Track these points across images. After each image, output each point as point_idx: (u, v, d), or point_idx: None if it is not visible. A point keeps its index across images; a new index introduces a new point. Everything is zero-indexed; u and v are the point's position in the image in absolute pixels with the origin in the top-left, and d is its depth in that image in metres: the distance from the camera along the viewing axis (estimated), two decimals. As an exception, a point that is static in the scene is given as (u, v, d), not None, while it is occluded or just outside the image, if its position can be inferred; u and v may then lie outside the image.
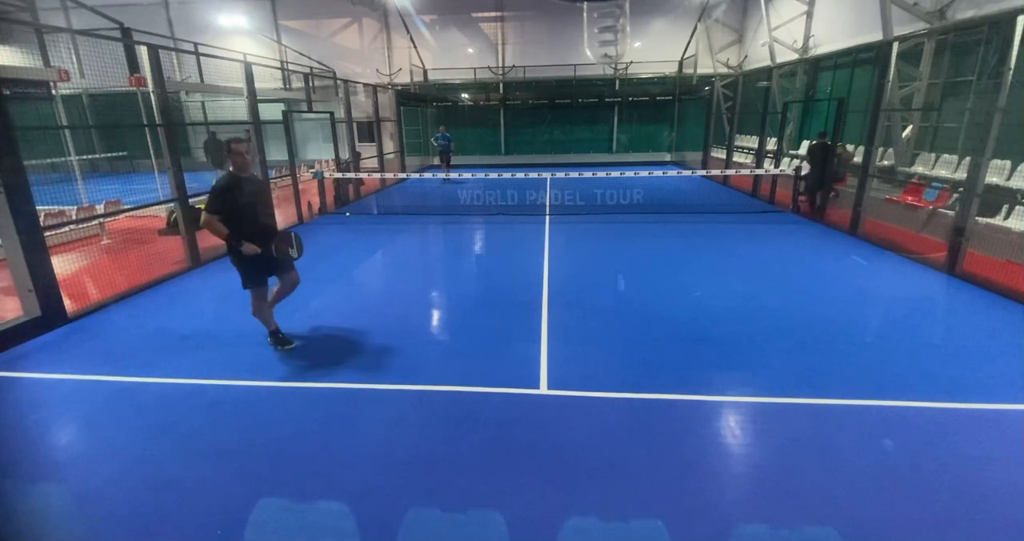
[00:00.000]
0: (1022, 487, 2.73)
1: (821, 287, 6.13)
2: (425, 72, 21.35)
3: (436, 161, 17.28)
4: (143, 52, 6.43)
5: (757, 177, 12.23)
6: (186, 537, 2.51)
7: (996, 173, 7.46)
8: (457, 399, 3.71)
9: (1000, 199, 7.18)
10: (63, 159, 11.13)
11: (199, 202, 7.80)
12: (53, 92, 10.27)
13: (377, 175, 13.60)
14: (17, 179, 4.66)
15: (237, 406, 3.64)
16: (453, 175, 14.73)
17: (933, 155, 9.04)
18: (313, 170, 12.54)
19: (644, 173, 12.33)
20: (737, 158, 15.15)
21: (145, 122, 9.78)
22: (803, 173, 10.01)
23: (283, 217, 9.78)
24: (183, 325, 5.12)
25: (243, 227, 4.06)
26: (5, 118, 4.56)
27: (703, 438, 3.20)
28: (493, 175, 11.69)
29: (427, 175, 12.81)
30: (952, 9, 8.81)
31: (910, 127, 9.54)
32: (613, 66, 20.53)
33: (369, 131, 18.45)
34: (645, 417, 3.45)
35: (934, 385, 3.76)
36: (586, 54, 19.79)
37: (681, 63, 20.36)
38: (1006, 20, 5.87)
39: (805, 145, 13.41)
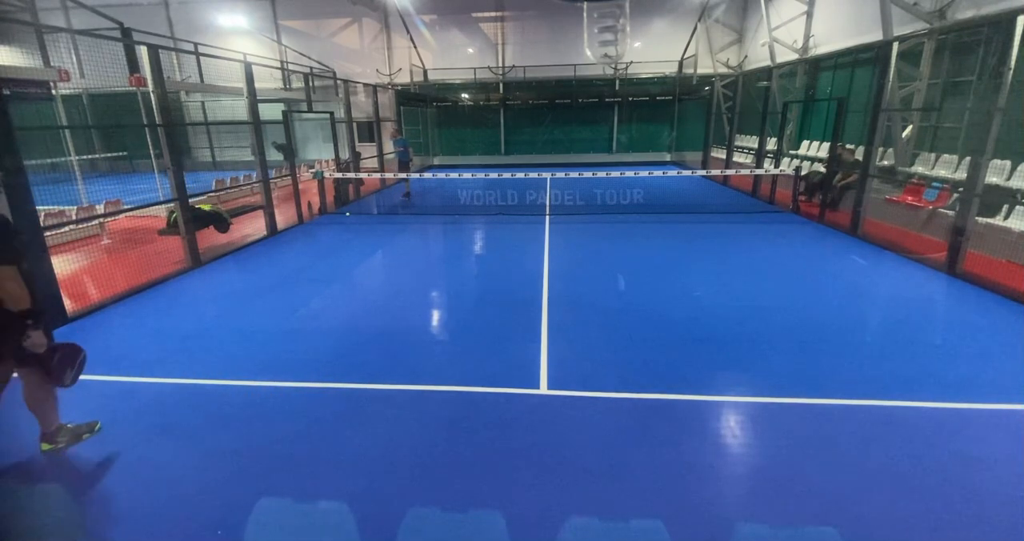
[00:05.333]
0: (1022, 487, 2.73)
1: (821, 287, 6.13)
2: (425, 72, 21.36)
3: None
4: (143, 52, 6.43)
5: (757, 177, 12.23)
6: (186, 537, 2.51)
7: (996, 173, 7.46)
8: (457, 399, 3.71)
9: (1000, 199, 7.18)
10: (63, 159, 11.14)
11: (199, 202, 7.83)
12: (53, 92, 10.28)
13: (377, 175, 13.60)
14: (17, 179, 4.66)
15: (237, 406, 3.64)
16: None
17: (933, 155, 9.04)
18: (313, 170, 12.54)
19: (644, 173, 12.33)
20: (737, 158, 15.15)
21: (145, 122, 9.78)
22: (803, 173, 10.04)
23: (283, 217, 9.79)
24: (183, 325, 5.11)
25: (33, 295, 2.76)
26: (5, 118, 4.56)
27: (703, 438, 3.20)
28: (493, 175, 11.69)
29: (427, 175, 12.79)
30: (952, 9, 8.81)
31: (910, 127, 9.54)
32: (613, 66, 20.53)
33: (369, 131, 18.45)
34: (645, 417, 3.44)
35: (934, 385, 3.76)
36: (586, 54, 19.79)
37: (681, 63, 20.36)
38: (1006, 20, 5.86)
39: (804, 145, 13.46)
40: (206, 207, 7.89)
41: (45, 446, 3.15)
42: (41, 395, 3.06)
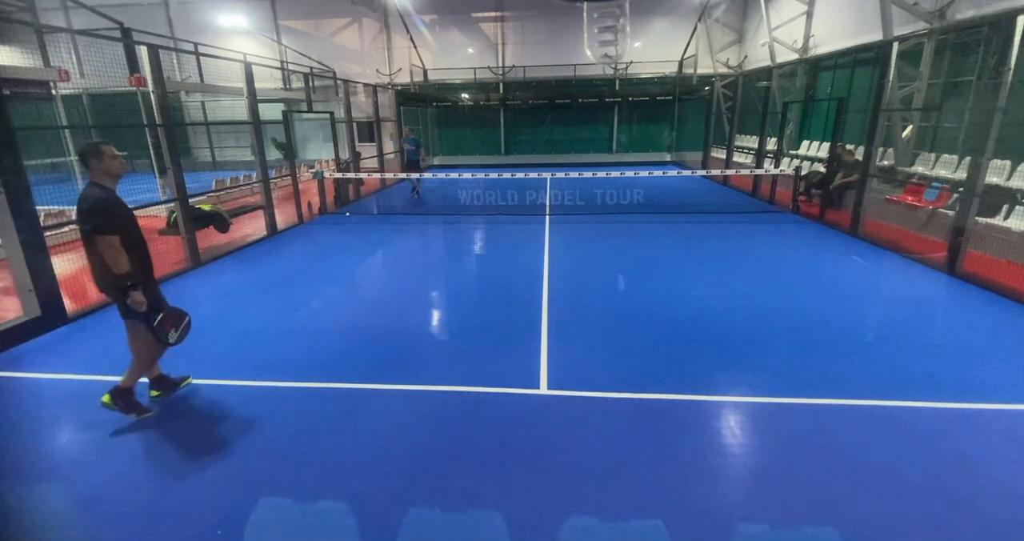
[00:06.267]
0: (1021, 487, 2.73)
1: (821, 287, 6.13)
2: (425, 72, 21.35)
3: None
4: (143, 52, 6.44)
5: (757, 177, 12.23)
6: (186, 537, 2.51)
7: (996, 173, 7.46)
8: (457, 399, 3.71)
9: (1000, 199, 7.18)
10: (63, 159, 11.13)
11: (199, 202, 7.82)
12: (53, 92, 10.28)
13: (377, 175, 13.61)
14: (17, 179, 4.67)
15: (237, 406, 3.64)
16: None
17: (933, 155, 9.04)
18: (313, 170, 12.54)
19: (644, 173, 12.33)
20: (737, 158, 15.14)
21: (145, 122, 9.78)
22: (803, 173, 10.04)
23: (283, 217, 9.79)
24: (183, 325, 5.10)
25: (141, 262, 3.34)
26: (5, 118, 4.56)
27: (703, 438, 3.20)
28: (493, 175, 11.69)
29: (427, 175, 12.78)
30: (952, 9, 8.81)
31: (910, 127, 9.54)
32: (613, 66, 20.52)
33: (369, 131, 18.45)
34: (645, 417, 3.44)
35: (934, 385, 3.76)
36: (586, 54, 19.77)
37: (681, 63, 20.35)
38: (1006, 20, 5.86)
39: (804, 145, 13.45)
40: (206, 207, 7.89)
41: (106, 398, 3.35)
42: (138, 344, 3.40)
